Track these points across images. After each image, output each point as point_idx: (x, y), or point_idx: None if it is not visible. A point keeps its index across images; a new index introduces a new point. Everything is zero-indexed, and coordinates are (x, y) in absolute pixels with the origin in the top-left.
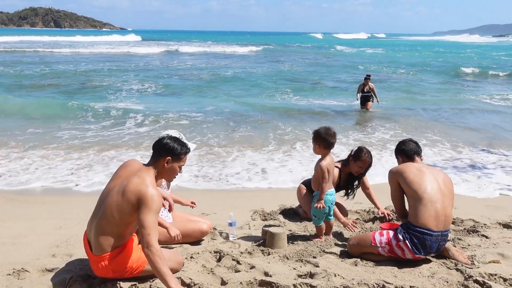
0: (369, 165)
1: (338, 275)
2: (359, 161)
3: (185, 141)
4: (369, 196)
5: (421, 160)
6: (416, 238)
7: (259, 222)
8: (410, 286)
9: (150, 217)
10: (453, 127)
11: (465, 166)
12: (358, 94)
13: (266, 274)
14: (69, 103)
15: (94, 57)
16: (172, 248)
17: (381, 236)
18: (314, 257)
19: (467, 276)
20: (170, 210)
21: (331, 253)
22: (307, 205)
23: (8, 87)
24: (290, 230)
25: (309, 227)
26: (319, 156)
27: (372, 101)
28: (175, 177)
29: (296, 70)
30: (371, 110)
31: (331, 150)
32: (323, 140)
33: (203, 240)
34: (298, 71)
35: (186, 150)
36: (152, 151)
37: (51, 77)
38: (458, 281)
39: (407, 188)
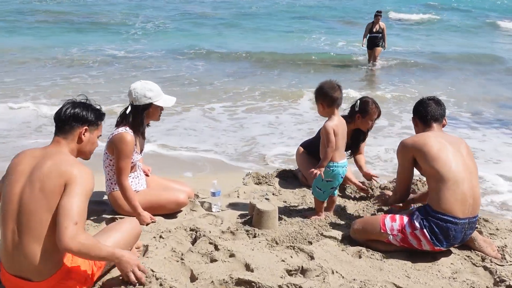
0: (379, 115)
1: (337, 272)
2: (368, 115)
3: (96, 105)
4: (358, 161)
5: (443, 126)
6: (438, 226)
7: (250, 188)
8: None
9: (77, 199)
10: None
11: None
12: (365, 39)
13: (247, 267)
14: None
15: None
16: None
17: (393, 221)
18: (310, 242)
19: (497, 279)
20: (146, 175)
21: (330, 237)
22: (306, 170)
23: None
24: (285, 202)
25: (307, 198)
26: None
27: (382, 47)
28: (92, 152)
29: None
30: (380, 62)
31: (340, 108)
32: (326, 96)
33: (181, 211)
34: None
35: (102, 115)
36: (56, 125)
37: None
38: (487, 287)
39: (428, 167)
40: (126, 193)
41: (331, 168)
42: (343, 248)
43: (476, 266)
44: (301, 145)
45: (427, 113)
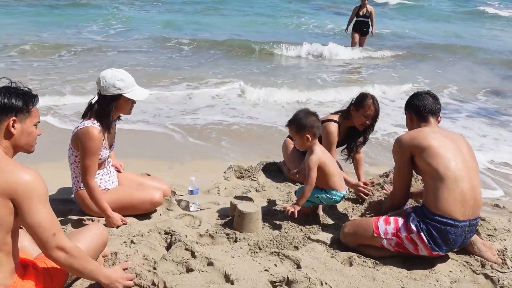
0: (376, 114)
1: (326, 283)
2: (362, 109)
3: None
4: (356, 163)
5: (438, 122)
6: (436, 229)
7: (232, 183)
8: None
9: (43, 212)
10: None
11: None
12: (351, 23)
13: (226, 278)
14: None
15: None
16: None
17: (387, 224)
18: (296, 248)
19: None
20: (118, 171)
21: (318, 241)
22: (293, 164)
23: None
24: (269, 200)
25: (293, 194)
26: None
27: (370, 33)
28: (35, 142)
29: None
30: (367, 47)
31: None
32: (311, 128)
33: (156, 211)
34: None
35: (32, 98)
36: None
37: None
38: None
39: (425, 165)
40: (92, 193)
41: (332, 198)
42: (332, 254)
43: (476, 273)
44: (288, 137)
45: (424, 107)
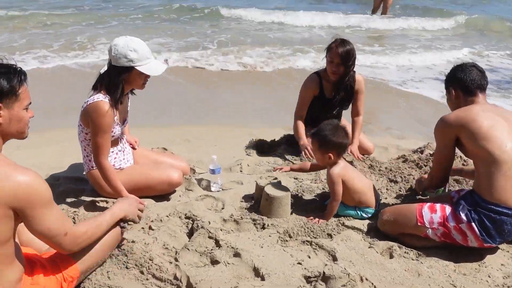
0: (342, 57)
1: (366, 279)
2: (327, 53)
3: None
4: (352, 125)
5: (485, 98)
6: (490, 220)
7: (255, 160)
8: None
9: (49, 215)
10: None
11: None
12: None
13: (256, 272)
14: None
15: None
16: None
17: (433, 212)
18: (329, 235)
19: None
20: (133, 148)
21: (353, 228)
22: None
23: None
24: (296, 179)
25: (322, 175)
26: None
27: None
28: (28, 126)
29: None
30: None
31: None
32: (336, 146)
33: (175, 191)
34: None
35: (19, 76)
36: None
37: None
38: None
39: (476, 148)
40: (106, 174)
41: (363, 215)
42: (370, 244)
43: None
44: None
45: (472, 80)
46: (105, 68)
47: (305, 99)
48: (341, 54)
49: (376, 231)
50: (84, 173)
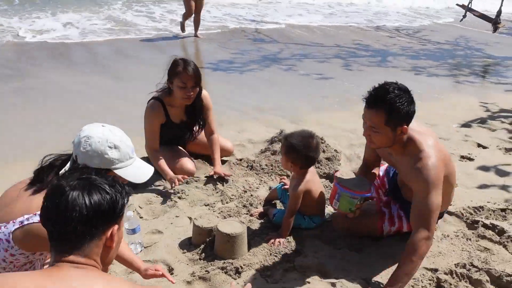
0: (196, 77)
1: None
2: (176, 78)
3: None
4: (210, 144)
5: None
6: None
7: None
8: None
9: None
10: None
11: None
12: None
13: None
14: None
15: None
16: None
17: (391, 225)
18: (298, 252)
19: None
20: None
21: (314, 237)
22: None
23: None
24: (211, 206)
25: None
26: None
27: None
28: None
29: None
30: None
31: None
32: (301, 157)
33: None
34: None
35: (128, 194)
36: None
37: None
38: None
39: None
40: None
41: (311, 222)
42: (340, 245)
43: None
44: None
45: (413, 110)
46: (67, 165)
47: (154, 131)
48: (194, 75)
49: (332, 231)
50: None
